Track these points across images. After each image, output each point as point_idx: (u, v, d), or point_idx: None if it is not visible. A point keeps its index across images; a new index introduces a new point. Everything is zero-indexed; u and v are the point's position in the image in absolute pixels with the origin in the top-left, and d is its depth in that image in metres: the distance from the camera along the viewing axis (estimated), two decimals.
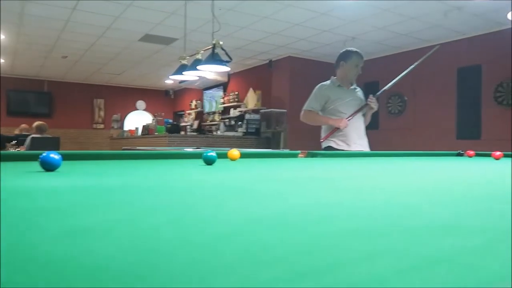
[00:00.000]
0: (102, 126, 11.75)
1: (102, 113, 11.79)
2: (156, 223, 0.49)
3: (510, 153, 2.67)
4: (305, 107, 3.17)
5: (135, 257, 0.33)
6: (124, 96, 12.05)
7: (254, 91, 8.78)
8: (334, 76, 3.19)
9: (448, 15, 5.26)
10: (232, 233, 0.44)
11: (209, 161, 1.60)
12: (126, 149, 3.95)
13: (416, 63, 3.19)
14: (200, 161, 1.68)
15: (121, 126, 11.73)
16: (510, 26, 5.36)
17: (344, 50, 3.17)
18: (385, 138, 7.19)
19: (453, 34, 6.18)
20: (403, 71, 3.26)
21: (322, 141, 3.13)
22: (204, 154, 1.64)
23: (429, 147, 6.21)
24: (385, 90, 3.21)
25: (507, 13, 2.45)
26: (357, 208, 0.64)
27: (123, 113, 12.11)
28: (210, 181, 1.08)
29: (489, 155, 2.81)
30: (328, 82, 3.19)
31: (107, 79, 11.01)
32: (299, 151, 2.47)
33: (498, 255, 0.36)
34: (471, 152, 2.95)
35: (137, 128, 9.53)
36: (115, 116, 11.94)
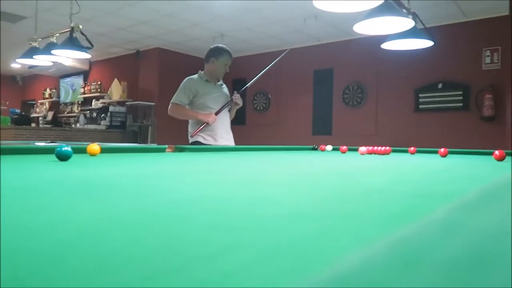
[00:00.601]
0: None
1: None
2: None
3: (355, 147, 3.07)
4: (173, 100, 3.10)
5: None
6: None
7: (120, 82, 8.26)
8: (202, 71, 3.20)
9: (307, 22, 5.77)
10: (80, 237, 0.39)
11: (62, 157, 1.44)
12: None
13: (270, 65, 3.39)
14: (53, 157, 1.50)
15: None
16: (357, 37, 6.16)
17: (215, 46, 3.18)
18: (252, 133, 7.57)
19: (311, 40, 6.81)
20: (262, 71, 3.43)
21: (191, 136, 3.11)
22: (57, 148, 1.47)
23: (290, 141, 6.75)
24: (247, 87, 3.40)
25: (354, 25, 2.79)
26: (217, 202, 0.64)
27: None
28: (61, 178, 0.96)
29: (337, 149, 3.20)
30: (195, 76, 3.18)
31: None
32: (166, 146, 2.41)
33: (337, 237, 0.39)
34: (324, 147, 3.31)
35: None
36: None
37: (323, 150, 3.27)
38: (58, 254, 0.33)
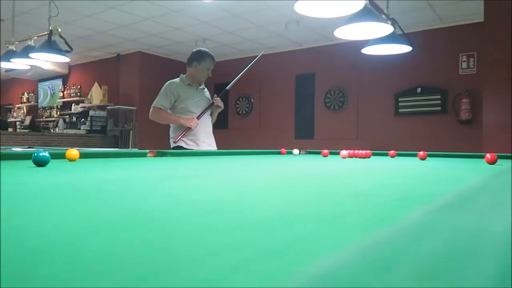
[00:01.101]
0: None
1: None
2: None
3: (337, 151, 3.10)
4: (154, 104, 3.07)
5: None
6: None
7: (100, 86, 8.14)
8: (183, 74, 3.18)
9: (288, 27, 5.82)
10: (61, 241, 0.38)
11: (39, 162, 1.40)
12: None
13: (246, 68, 3.36)
14: (30, 162, 1.47)
15: None
16: (338, 42, 6.23)
17: (198, 50, 3.16)
18: (234, 137, 7.55)
19: (293, 44, 6.86)
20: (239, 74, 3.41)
21: (175, 141, 3.07)
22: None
23: (273, 145, 6.76)
24: (227, 90, 3.39)
25: (335, 30, 2.83)
26: (205, 205, 0.64)
27: None
28: (38, 184, 0.94)
29: (319, 153, 3.22)
30: (177, 80, 3.16)
31: None
32: (147, 151, 2.38)
33: (328, 240, 0.39)
34: (284, 151, 3.35)
35: None
36: None
37: (284, 153, 3.28)
38: (56, 254, 0.33)
